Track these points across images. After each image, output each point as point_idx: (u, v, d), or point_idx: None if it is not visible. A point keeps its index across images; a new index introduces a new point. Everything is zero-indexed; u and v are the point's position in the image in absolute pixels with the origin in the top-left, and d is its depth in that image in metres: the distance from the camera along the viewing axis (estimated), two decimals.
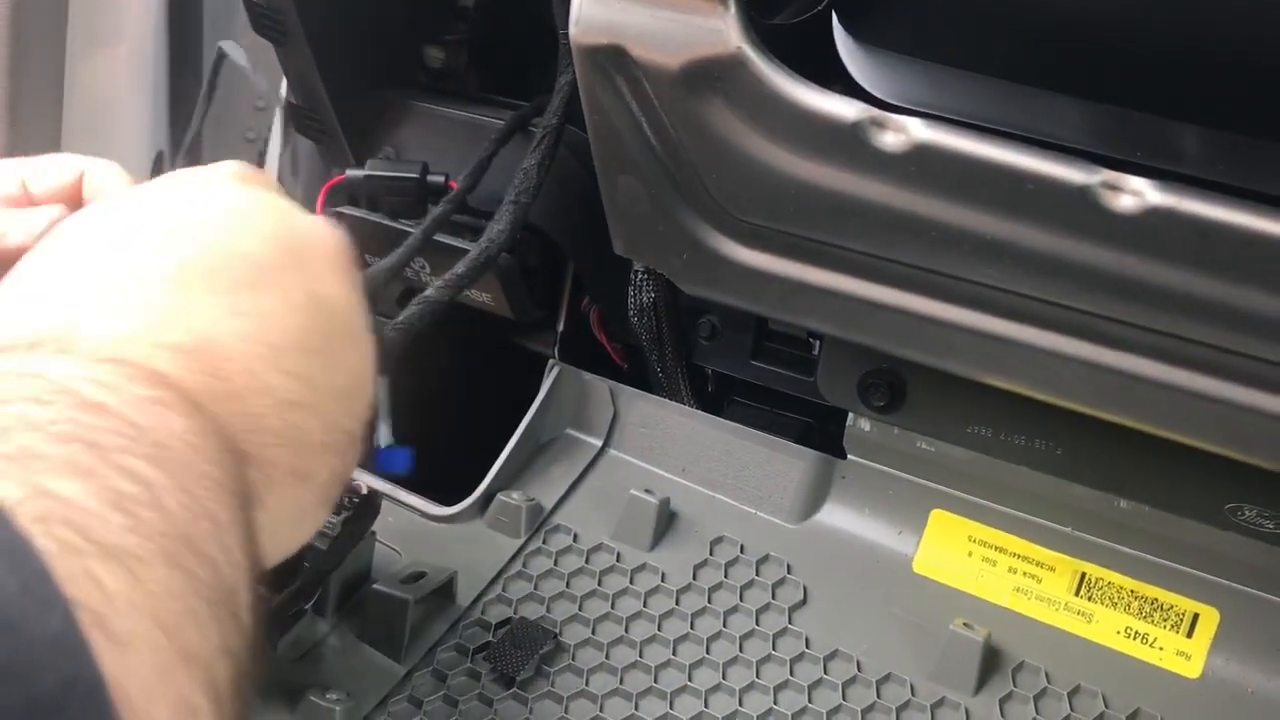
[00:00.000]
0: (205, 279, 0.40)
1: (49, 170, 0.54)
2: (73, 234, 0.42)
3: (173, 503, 0.32)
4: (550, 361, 0.80)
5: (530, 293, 0.79)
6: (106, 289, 0.39)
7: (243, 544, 0.36)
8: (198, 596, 0.31)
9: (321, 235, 0.46)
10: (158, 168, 1.21)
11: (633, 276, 0.77)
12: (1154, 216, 0.49)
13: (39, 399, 0.32)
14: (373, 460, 0.61)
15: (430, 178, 0.75)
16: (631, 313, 0.77)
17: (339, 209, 0.77)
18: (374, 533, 0.65)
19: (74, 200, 0.54)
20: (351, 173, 0.76)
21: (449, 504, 0.74)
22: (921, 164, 0.53)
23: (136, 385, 0.34)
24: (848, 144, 0.54)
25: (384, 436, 0.61)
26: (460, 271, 0.67)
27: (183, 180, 0.46)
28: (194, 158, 1.28)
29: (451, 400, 0.93)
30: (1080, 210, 0.50)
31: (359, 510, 0.61)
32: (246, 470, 0.38)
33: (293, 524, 0.43)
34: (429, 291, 0.66)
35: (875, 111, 0.53)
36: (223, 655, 0.32)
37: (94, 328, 0.37)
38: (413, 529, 0.72)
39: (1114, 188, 0.50)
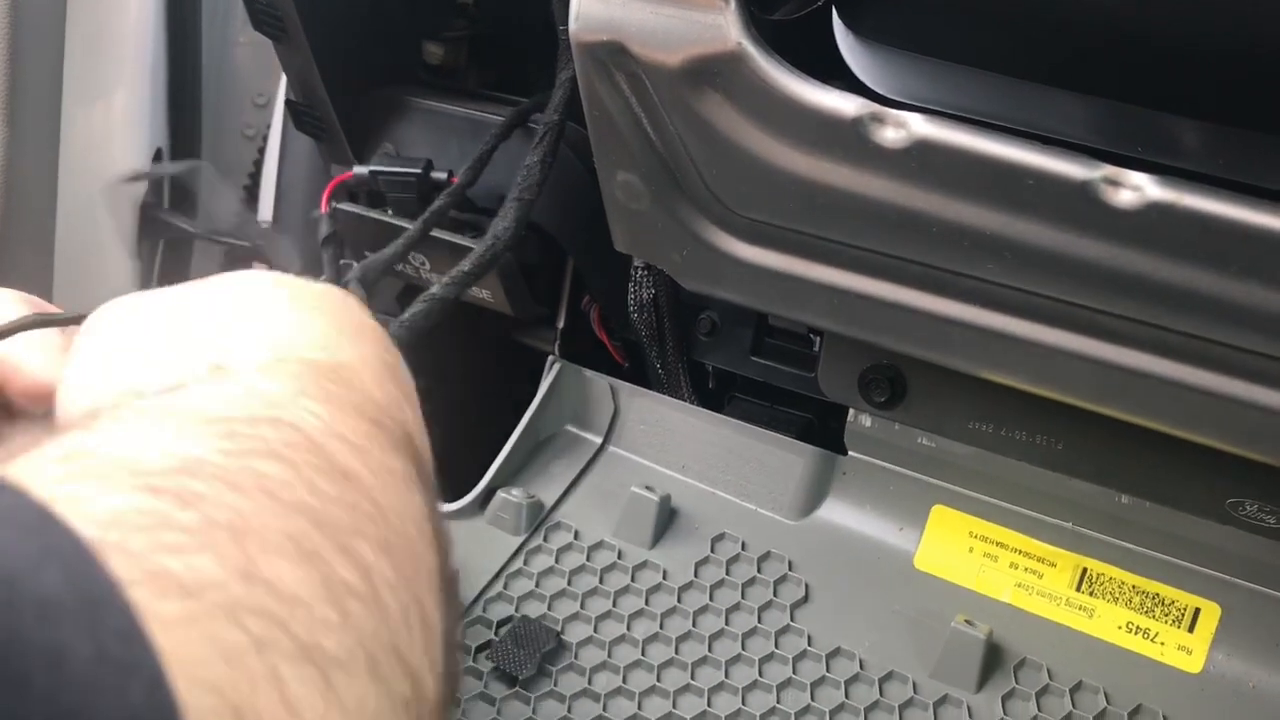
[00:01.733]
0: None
1: None
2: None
3: (392, 601, 0.26)
4: (550, 358, 0.80)
5: (530, 289, 0.79)
6: (347, 344, 0.35)
7: (446, 650, 0.29)
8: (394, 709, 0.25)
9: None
10: (157, 162, 1.21)
11: (633, 273, 0.77)
12: (1154, 211, 0.49)
13: (277, 453, 0.26)
14: None
15: (433, 174, 0.75)
16: (631, 309, 0.77)
17: (340, 205, 0.77)
18: None
19: None
20: (357, 169, 0.76)
21: (449, 500, 0.74)
22: (922, 159, 0.53)
23: (387, 454, 0.29)
24: (848, 139, 0.54)
25: None
26: (466, 269, 0.67)
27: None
28: (193, 158, 1.28)
29: (451, 396, 0.93)
30: (1081, 205, 0.50)
31: None
32: (422, 459, 0.32)
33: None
34: (435, 289, 0.66)
35: (875, 107, 0.53)
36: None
37: (357, 379, 0.32)
38: None
39: (1114, 183, 0.50)
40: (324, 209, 0.75)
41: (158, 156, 1.20)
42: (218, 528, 0.23)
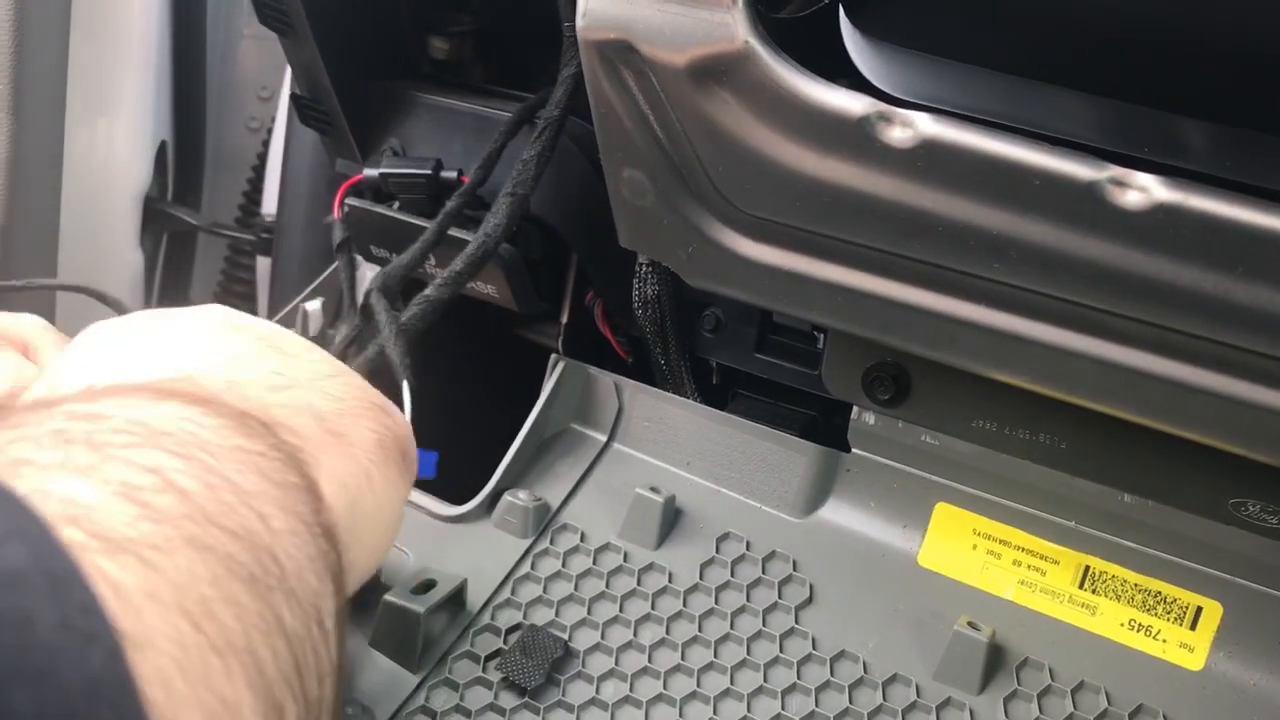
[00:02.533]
0: (161, 348, 0.42)
1: None
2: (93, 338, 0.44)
3: (190, 483, 0.30)
4: (554, 356, 0.80)
5: (534, 285, 0.79)
6: (108, 360, 0.41)
7: (296, 509, 0.34)
8: (232, 576, 0.29)
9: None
10: (161, 157, 1.21)
11: (637, 269, 0.77)
12: (1161, 212, 0.49)
13: (44, 424, 0.31)
14: None
15: (443, 174, 0.75)
16: (636, 305, 0.77)
17: (351, 202, 0.77)
18: None
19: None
20: (367, 171, 0.76)
21: (453, 494, 0.74)
22: (928, 159, 0.53)
23: (136, 398, 0.34)
24: (854, 138, 0.54)
25: None
26: (458, 268, 0.67)
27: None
28: (197, 151, 1.28)
29: (455, 392, 0.93)
30: (1087, 206, 0.50)
31: None
32: (281, 438, 0.37)
33: (363, 484, 0.43)
34: (429, 291, 0.66)
35: (882, 106, 0.53)
36: (272, 636, 0.30)
37: (104, 379, 0.38)
38: (421, 530, 0.72)
39: (1121, 184, 0.50)
40: (336, 214, 0.75)
41: (162, 149, 1.21)
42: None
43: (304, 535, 0.34)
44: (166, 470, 0.30)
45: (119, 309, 0.67)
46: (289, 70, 0.87)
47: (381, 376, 0.63)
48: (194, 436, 0.33)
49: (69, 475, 0.28)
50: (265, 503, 0.33)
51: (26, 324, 0.55)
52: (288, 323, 0.86)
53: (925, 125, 0.52)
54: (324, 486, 0.38)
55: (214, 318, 0.45)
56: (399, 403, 0.61)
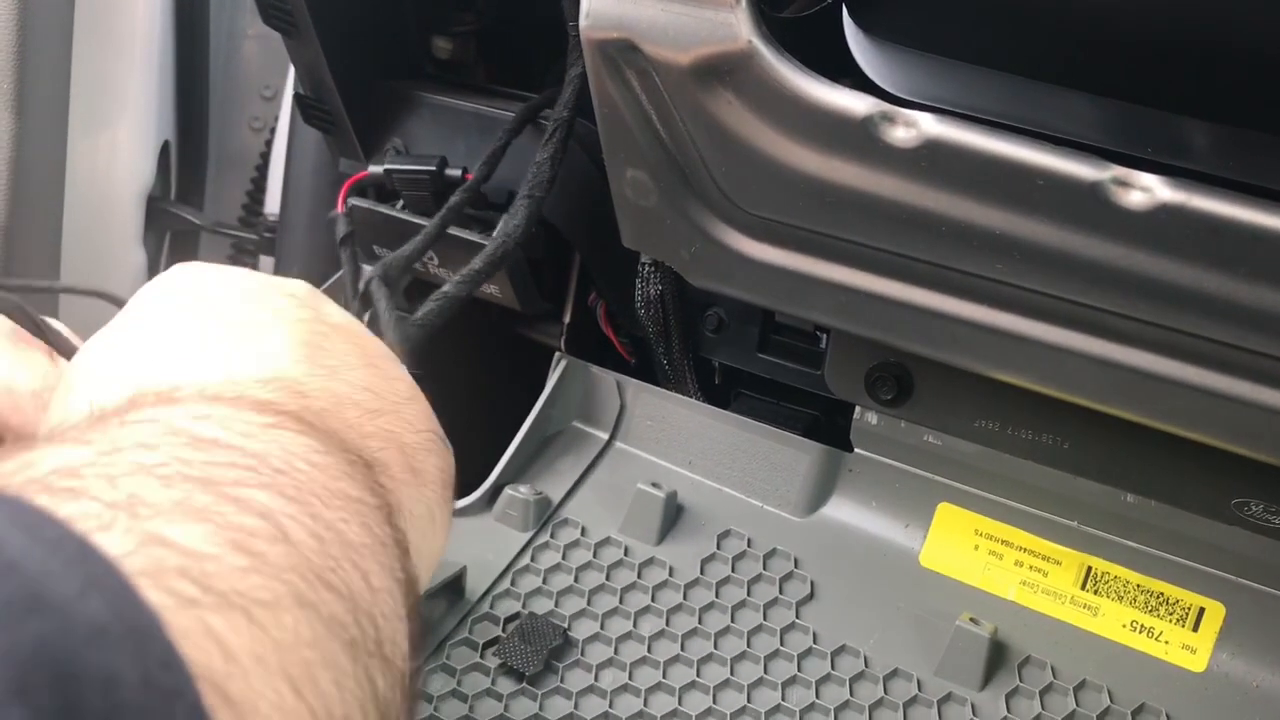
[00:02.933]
0: (258, 337, 0.39)
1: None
2: (142, 308, 0.41)
3: (300, 533, 0.28)
4: (557, 355, 0.80)
5: (537, 285, 0.79)
6: (187, 349, 0.37)
7: (389, 563, 0.32)
8: (334, 639, 0.27)
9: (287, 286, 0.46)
10: (164, 157, 1.21)
11: (640, 269, 0.77)
12: (1164, 213, 0.49)
13: (146, 444, 0.28)
14: None
15: (448, 171, 0.75)
16: (639, 305, 0.77)
17: (355, 202, 0.77)
18: None
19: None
20: (372, 168, 0.76)
21: (457, 496, 0.74)
22: (931, 159, 0.53)
23: (246, 413, 0.32)
24: (858, 138, 0.54)
25: None
26: (477, 267, 0.67)
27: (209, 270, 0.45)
28: (200, 150, 1.28)
29: (457, 390, 0.93)
30: (1090, 206, 0.50)
31: None
32: (377, 476, 0.35)
33: (428, 528, 0.41)
34: (447, 287, 0.66)
35: (885, 106, 0.53)
36: (367, 703, 0.28)
37: (190, 376, 0.35)
38: None
39: (1124, 184, 0.50)
40: (340, 209, 0.75)
41: (165, 149, 1.21)
42: (112, 508, 0.25)
43: (396, 594, 0.32)
44: (278, 515, 0.28)
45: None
46: (292, 70, 0.87)
47: None
48: (306, 477, 0.30)
49: (184, 521, 0.26)
50: (368, 559, 0.31)
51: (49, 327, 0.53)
52: None
53: (928, 125, 0.53)
54: (409, 535, 0.36)
55: (303, 300, 0.41)
56: None
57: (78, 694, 0.19)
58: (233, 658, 0.24)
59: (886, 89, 0.56)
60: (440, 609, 0.65)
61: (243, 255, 1.29)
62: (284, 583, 0.26)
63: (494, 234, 0.69)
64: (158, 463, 0.27)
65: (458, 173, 0.75)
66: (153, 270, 1.20)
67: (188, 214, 1.22)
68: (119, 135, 1.16)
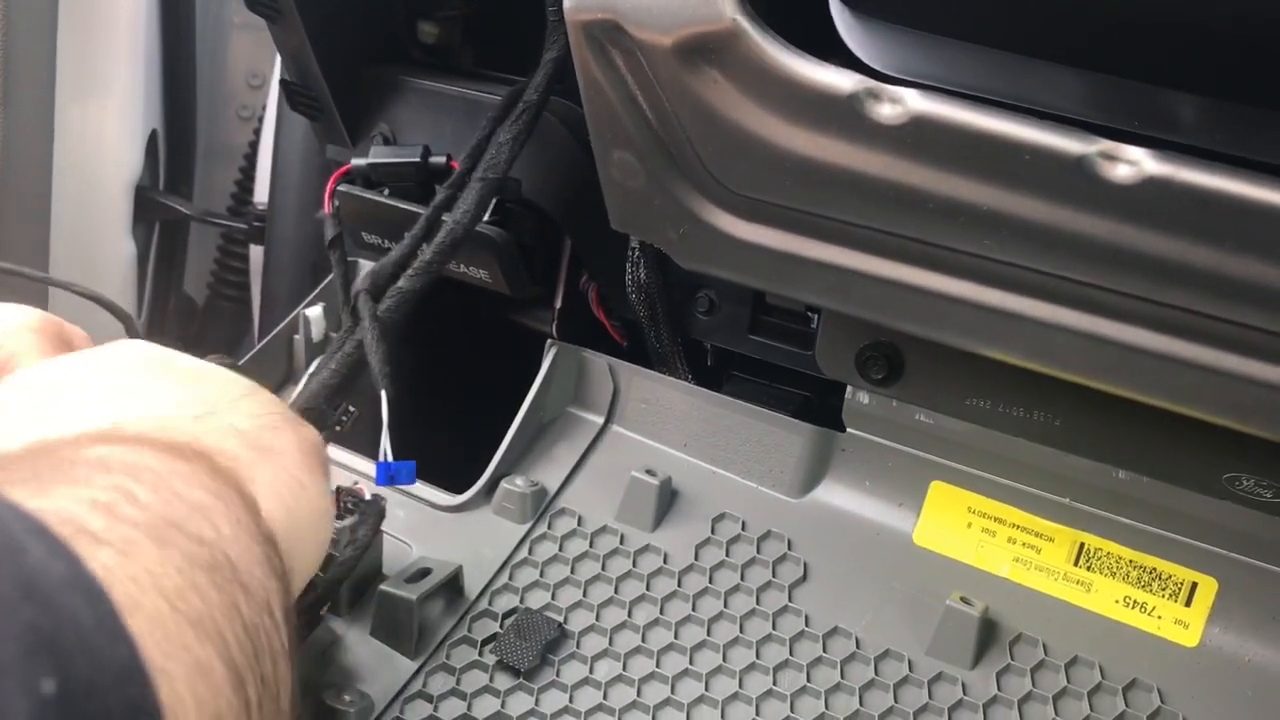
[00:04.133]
0: (99, 391, 0.48)
1: None
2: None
3: (149, 498, 0.36)
4: (549, 341, 0.80)
5: (527, 269, 0.79)
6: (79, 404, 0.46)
7: (239, 519, 0.40)
8: (194, 567, 0.35)
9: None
10: (152, 146, 1.21)
11: (630, 252, 0.76)
12: (1151, 186, 0.49)
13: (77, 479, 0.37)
14: (376, 473, 0.61)
15: (432, 160, 0.75)
16: (629, 288, 0.77)
17: (342, 189, 0.76)
18: (382, 531, 0.65)
19: None
20: (356, 162, 0.76)
21: (452, 478, 0.74)
22: (918, 135, 0.52)
23: (85, 447, 0.40)
24: (844, 116, 0.53)
25: (386, 450, 0.61)
26: (428, 258, 0.67)
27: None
28: (188, 140, 1.27)
29: (450, 379, 0.93)
30: (1077, 180, 0.50)
31: (365, 516, 0.62)
32: (215, 461, 0.43)
33: (296, 491, 0.48)
34: (402, 282, 0.66)
35: (871, 83, 0.53)
36: (233, 620, 0.35)
37: (88, 425, 0.44)
38: (421, 520, 0.72)
39: (1111, 157, 0.49)
40: (327, 209, 0.74)
41: (153, 138, 1.20)
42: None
43: (247, 540, 0.39)
44: (128, 488, 0.36)
45: (126, 320, 0.69)
46: (279, 58, 0.87)
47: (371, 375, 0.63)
48: (145, 466, 0.39)
49: (63, 499, 0.34)
50: (213, 513, 0.39)
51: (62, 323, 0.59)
52: (290, 330, 0.86)
53: (914, 101, 0.52)
54: (260, 499, 0.44)
55: (133, 358, 0.50)
56: (375, 403, 0.62)
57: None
58: (112, 575, 0.32)
59: (872, 66, 0.56)
60: (439, 609, 0.65)
61: (232, 244, 1.28)
62: (140, 530, 0.35)
63: (445, 219, 0.69)
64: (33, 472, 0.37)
65: (442, 160, 0.74)
66: (141, 260, 1.20)
67: (176, 203, 1.22)
68: (106, 125, 1.15)
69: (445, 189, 0.71)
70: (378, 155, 0.76)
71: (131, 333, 0.69)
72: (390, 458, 0.61)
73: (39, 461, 0.38)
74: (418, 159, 0.74)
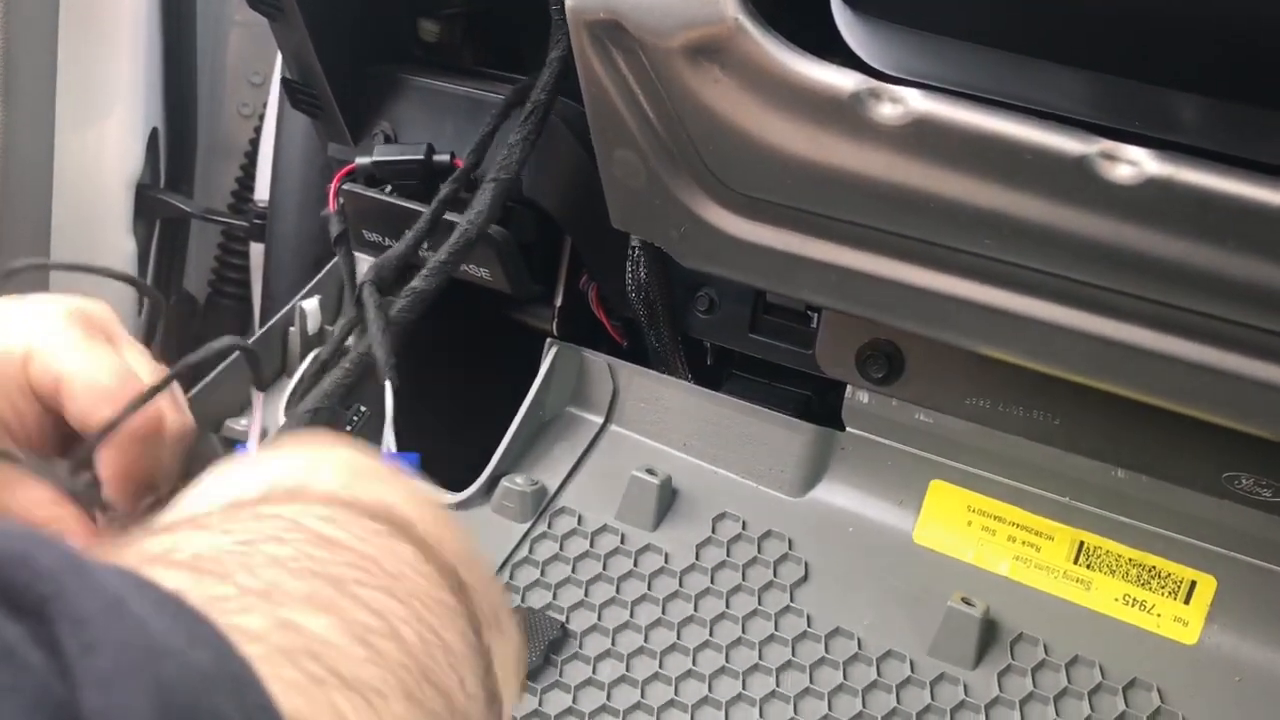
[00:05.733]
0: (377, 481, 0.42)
1: None
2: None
3: (409, 633, 0.32)
4: (549, 340, 0.80)
5: (528, 268, 0.79)
6: (314, 467, 0.40)
7: (479, 674, 0.36)
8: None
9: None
10: (153, 144, 1.21)
11: (630, 251, 0.76)
12: (1151, 186, 0.49)
13: (278, 538, 0.32)
14: None
15: (435, 158, 0.75)
16: (629, 288, 0.77)
17: (347, 187, 0.76)
18: None
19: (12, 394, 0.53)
20: (359, 160, 0.76)
21: (452, 479, 0.74)
22: (919, 135, 0.53)
23: (364, 519, 0.35)
24: (845, 115, 0.54)
25: (389, 442, 0.60)
26: (443, 258, 0.67)
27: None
28: (189, 138, 1.27)
29: (451, 377, 0.93)
30: (1078, 180, 0.50)
31: None
32: (472, 599, 0.38)
33: (510, 670, 0.44)
34: (416, 282, 0.66)
35: (873, 83, 0.53)
36: None
37: (318, 483, 0.38)
38: None
39: (1112, 157, 0.50)
40: (332, 206, 0.74)
41: (154, 136, 1.20)
42: (250, 594, 0.29)
43: (483, 702, 0.35)
44: (391, 617, 0.32)
45: (157, 304, 0.67)
46: (280, 56, 0.87)
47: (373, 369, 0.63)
48: (412, 583, 0.34)
49: (316, 614, 0.30)
50: (464, 665, 0.34)
51: (103, 311, 0.52)
52: (285, 322, 0.86)
53: (916, 101, 0.52)
54: (496, 663, 0.39)
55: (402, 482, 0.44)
56: (381, 400, 0.61)
57: None
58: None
59: (874, 65, 0.56)
60: None
61: (233, 242, 1.28)
62: (396, 676, 0.30)
63: (459, 221, 0.69)
64: (289, 556, 0.31)
65: (446, 158, 0.74)
66: (142, 257, 1.20)
67: (177, 201, 1.22)
68: (107, 123, 1.15)
69: (449, 184, 0.71)
70: (382, 153, 0.76)
71: (156, 315, 0.66)
72: (394, 450, 0.61)
73: (297, 531, 0.33)
74: (421, 157, 0.74)
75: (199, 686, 0.24)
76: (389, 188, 0.77)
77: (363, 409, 0.64)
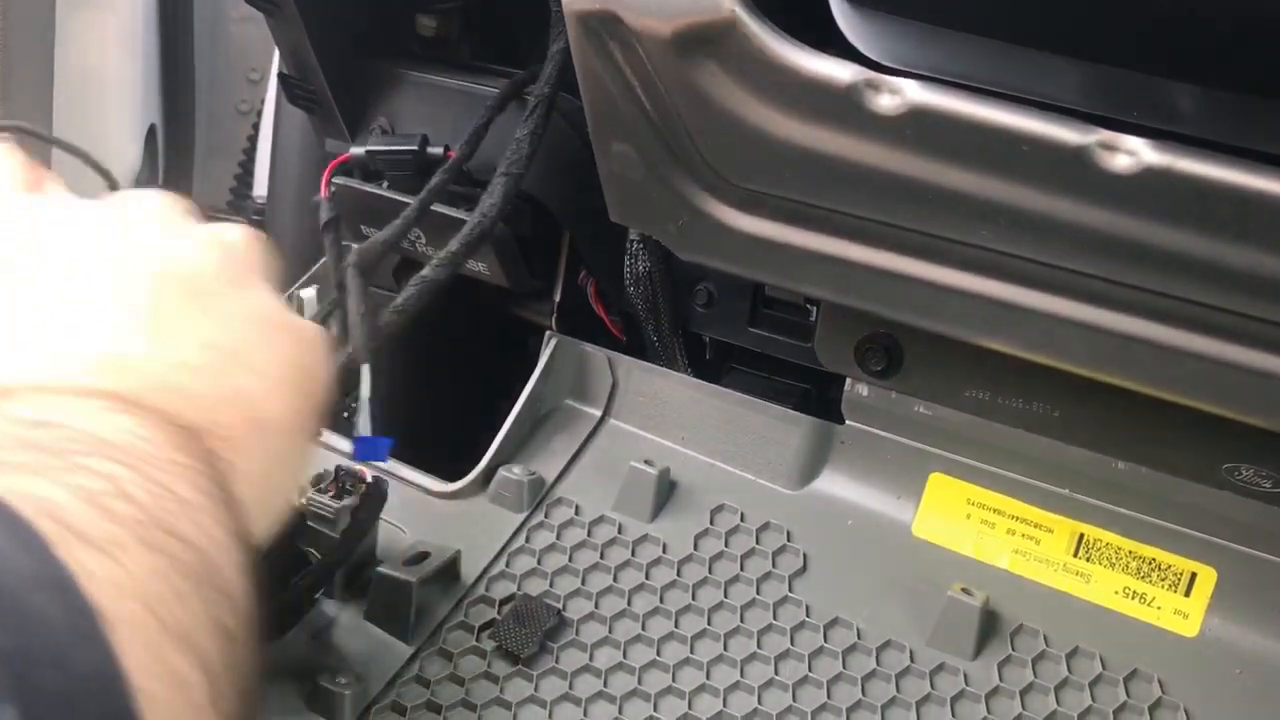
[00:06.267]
0: (89, 316, 0.42)
1: None
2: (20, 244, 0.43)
3: (139, 492, 0.34)
4: (548, 333, 0.80)
5: (526, 262, 0.79)
6: (15, 340, 0.41)
7: (223, 520, 0.38)
8: (179, 575, 0.33)
9: (247, 246, 0.48)
10: (150, 141, 1.21)
11: (628, 245, 0.76)
12: (1150, 176, 0.49)
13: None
14: (352, 450, 0.59)
15: (429, 150, 0.75)
16: (628, 281, 0.77)
17: (339, 181, 0.76)
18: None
19: None
20: (354, 150, 0.76)
21: (449, 472, 0.74)
22: (917, 126, 0.52)
23: (80, 400, 0.37)
24: (843, 107, 0.53)
25: (363, 425, 0.59)
26: (455, 249, 0.67)
27: (120, 205, 0.47)
28: (187, 134, 1.27)
29: (450, 369, 0.93)
30: (1076, 171, 0.50)
31: (365, 499, 0.62)
32: (206, 443, 0.40)
33: (275, 471, 0.45)
34: (425, 271, 0.66)
35: (870, 74, 0.53)
36: (213, 631, 0.34)
37: (20, 373, 0.39)
38: (417, 506, 0.72)
39: (1110, 148, 0.49)
40: (324, 193, 0.74)
41: (151, 133, 1.20)
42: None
43: (232, 546, 0.37)
44: (119, 479, 0.34)
45: (111, 182, 0.66)
46: (277, 52, 0.87)
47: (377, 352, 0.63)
48: (137, 450, 0.36)
49: (41, 479, 0.32)
50: (201, 514, 0.36)
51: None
52: None
53: (913, 92, 0.52)
54: (243, 492, 0.41)
55: (156, 245, 0.44)
56: (376, 385, 0.61)
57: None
58: (98, 584, 0.30)
59: (871, 57, 0.56)
60: (436, 593, 0.65)
61: None
62: (130, 530, 0.32)
63: (472, 213, 0.69)
64: (7, 435, 0.34)
65: (439, 151, 0.74)
66: None
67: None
68: (105, 120, 1.15)
69: (441, 173, 0.71)
70: (376, 144, 0.76)
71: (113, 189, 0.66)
72: (369, 433, 0.60)
73: (24, 426, 0.35)
74: (415, 148, 0.74)
75: (24, 585, 0.27)
76: (385, 184, 0.77)
77: (363, 395, 0.64)
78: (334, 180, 0.76)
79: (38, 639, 0.26)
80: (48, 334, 0.40)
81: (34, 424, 0.35)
